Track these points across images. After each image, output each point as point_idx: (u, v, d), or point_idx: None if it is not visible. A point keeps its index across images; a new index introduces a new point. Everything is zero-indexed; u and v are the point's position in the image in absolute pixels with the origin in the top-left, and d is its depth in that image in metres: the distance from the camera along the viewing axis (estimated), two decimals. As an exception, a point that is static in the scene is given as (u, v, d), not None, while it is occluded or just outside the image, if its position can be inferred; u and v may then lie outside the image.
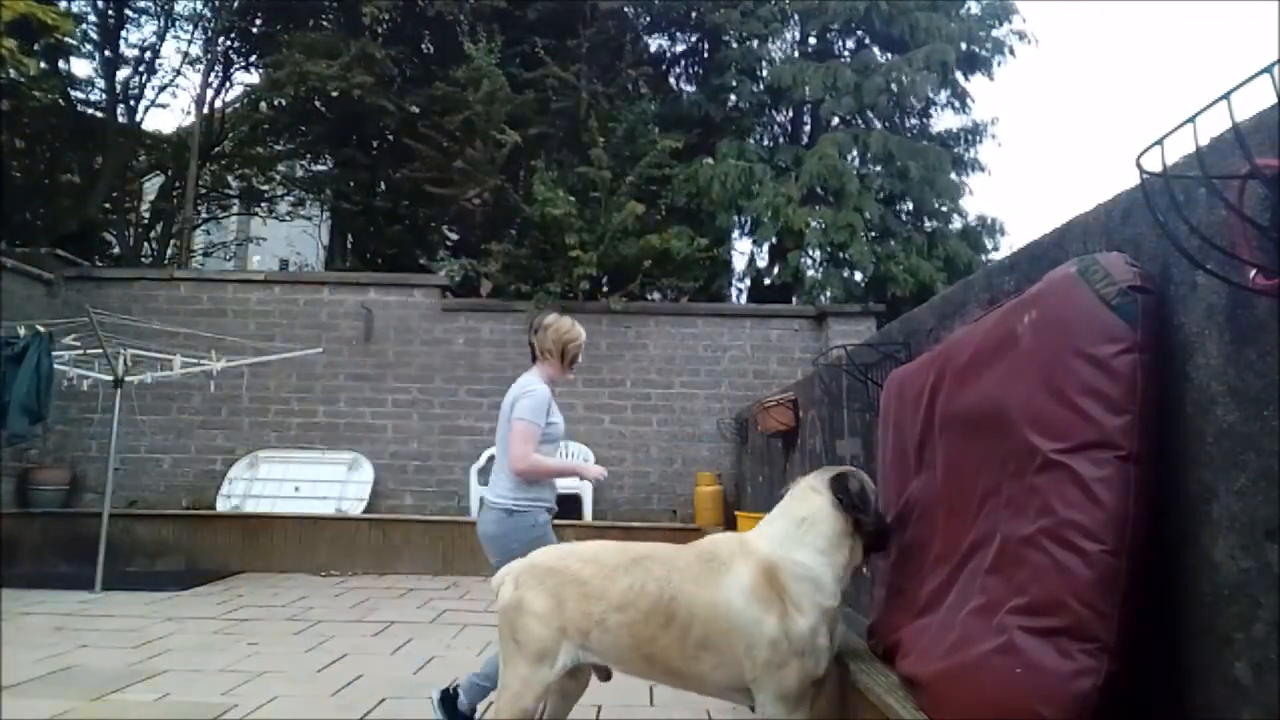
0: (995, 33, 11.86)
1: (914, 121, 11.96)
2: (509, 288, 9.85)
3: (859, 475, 2.58)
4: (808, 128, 12.27)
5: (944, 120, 12.36)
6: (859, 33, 11.96)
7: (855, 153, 10.94)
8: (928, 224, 11.26)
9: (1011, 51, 11.82)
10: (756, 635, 2.35)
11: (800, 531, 2.48)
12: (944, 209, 11.26)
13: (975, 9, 11.95)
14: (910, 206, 11.28)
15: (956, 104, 12.18)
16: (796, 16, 11.91)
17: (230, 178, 14.12)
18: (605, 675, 2.73)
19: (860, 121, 11.21)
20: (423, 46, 12.41)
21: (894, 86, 10.85)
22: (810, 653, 2.36)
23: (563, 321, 3.76)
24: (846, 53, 11.95)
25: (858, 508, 2.47)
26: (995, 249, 11.35)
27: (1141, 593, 1.49)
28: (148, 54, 12.63)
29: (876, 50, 11.79)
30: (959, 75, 11.80)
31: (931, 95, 11.38)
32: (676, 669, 2.50)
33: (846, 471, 2.59)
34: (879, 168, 10.86)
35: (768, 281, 11.43)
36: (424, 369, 9.65)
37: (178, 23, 12.85)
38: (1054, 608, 1.55)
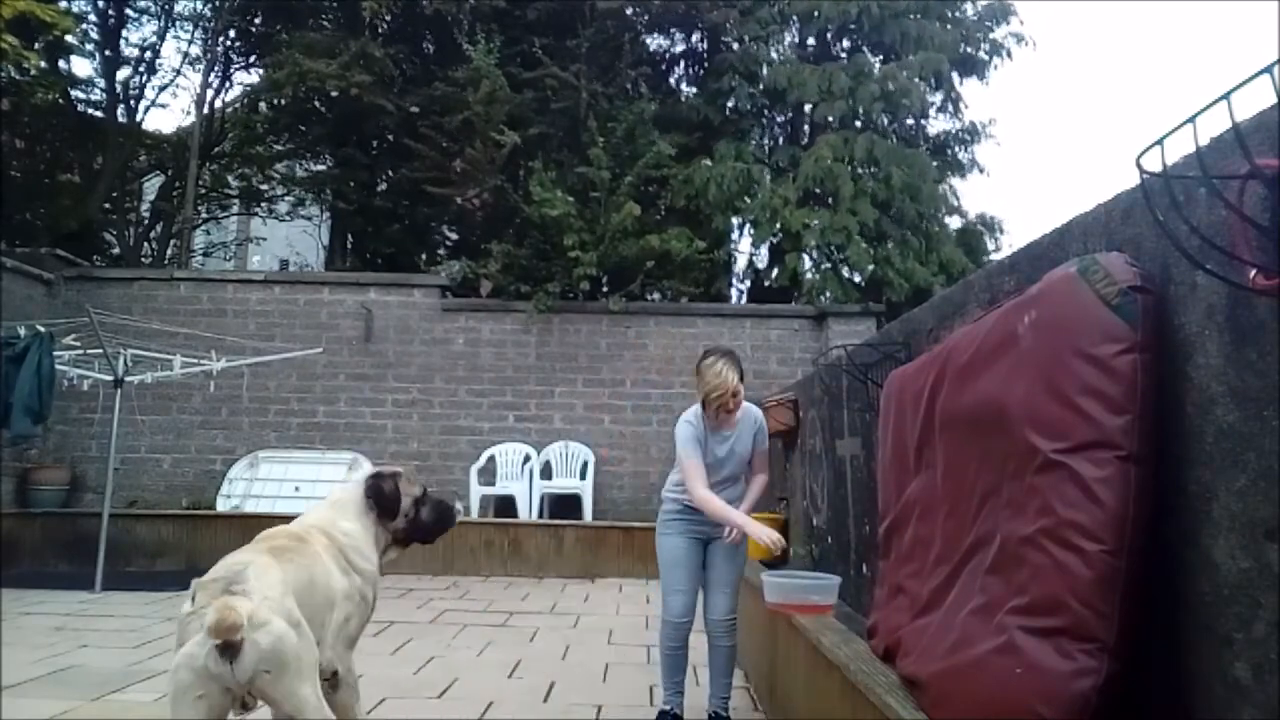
0: (993, 34, 11.82)
1: (910, 123, 11.92)
2: (509, 288, 9.84)
3: (396, 478, 2.93)
4: (806, 129, 12.25)
5: (940, 123, 12.34)
6: (853, 36, 11.94)
7: (848, 156, 10.89)
8: (925, 226, 11.22)
9: (1009, 54, 11.76)
10: (339, 594, 2.60)
11: (335, 513, 2.83)
12: (935, 212, 11.20)
13: (971, 12, 11.92)
14: (905, 210, 11.25)
15: (952, 107, 12.15)
16: (795, 19, 11.89)
17: (230, 178, 14.08)
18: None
19: (855, 124, 11.18)
20: (422, 46, 12.39)
21: (888, 95, 10.81)
22: (363, 602, 2.72)
23: (704, 369, 3.70)
24: (843, 56, 11.92)
25: (382, 506, 2.85)
26: (997, 249, 11.33)
27: (1141, 593, 1.49)
28: (148, 54, 12.63)
29: (870, 54, 11.76)
30: (955, 79, 11.76)
31: (928, 100, 11.34)
32: None
33: (384, 473, 2.95)
34: (869, 170, 10.84)
35: (767, 283, 11.41)
36: (424, 369, 9.65)
37: (178, 23, 12.84)
38: (1054, 608, 1.55)
